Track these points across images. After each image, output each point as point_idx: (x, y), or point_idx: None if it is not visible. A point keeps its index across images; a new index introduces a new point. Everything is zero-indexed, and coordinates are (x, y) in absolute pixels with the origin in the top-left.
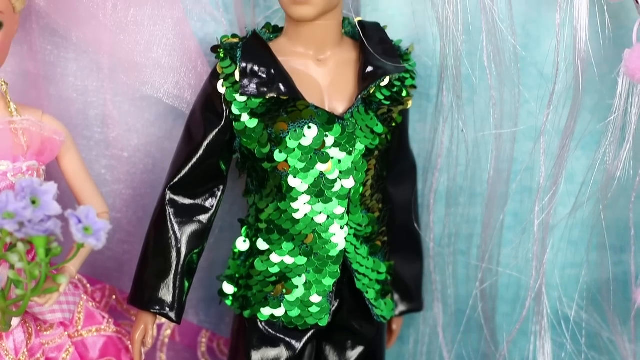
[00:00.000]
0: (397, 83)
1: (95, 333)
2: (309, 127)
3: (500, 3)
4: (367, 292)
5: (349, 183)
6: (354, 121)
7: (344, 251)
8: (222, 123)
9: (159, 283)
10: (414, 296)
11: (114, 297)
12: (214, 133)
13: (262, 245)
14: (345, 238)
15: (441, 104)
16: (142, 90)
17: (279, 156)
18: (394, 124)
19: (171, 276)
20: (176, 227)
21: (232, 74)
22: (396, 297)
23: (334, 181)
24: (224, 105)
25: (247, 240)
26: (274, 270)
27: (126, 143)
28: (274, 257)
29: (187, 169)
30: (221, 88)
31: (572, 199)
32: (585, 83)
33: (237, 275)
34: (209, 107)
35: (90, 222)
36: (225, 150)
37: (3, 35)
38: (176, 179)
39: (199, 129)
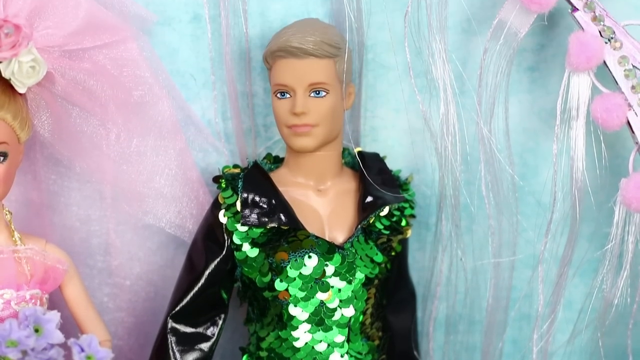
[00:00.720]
0: (397, 212)
1: None
2: (310, 257)
3: (498, 133)
4: None
5: (349, 312)
6: (353, 250)
7: None
8: (224, 252)
9: None
10: None
11: None
12: (216, 262)
13: None
14: None
15: (440, 232)
16: (144, 220)
17: (279, 285)
18: (393, 253)
19: None
20: (178, 355)
21: (234, 204)
22: None
23: (334, 310)
24: (225, 234)
25: None
26: None
27: (128, 271)
28: None
29: (188, 297)
30: (223, 218)
31: (571, 326)
32: (583, 212)
33: None
34: (210, 236)
35: (93, 350)
36: (226, 279)
37: (8, 165)
38: (178, 308)
39: (200, 258)
